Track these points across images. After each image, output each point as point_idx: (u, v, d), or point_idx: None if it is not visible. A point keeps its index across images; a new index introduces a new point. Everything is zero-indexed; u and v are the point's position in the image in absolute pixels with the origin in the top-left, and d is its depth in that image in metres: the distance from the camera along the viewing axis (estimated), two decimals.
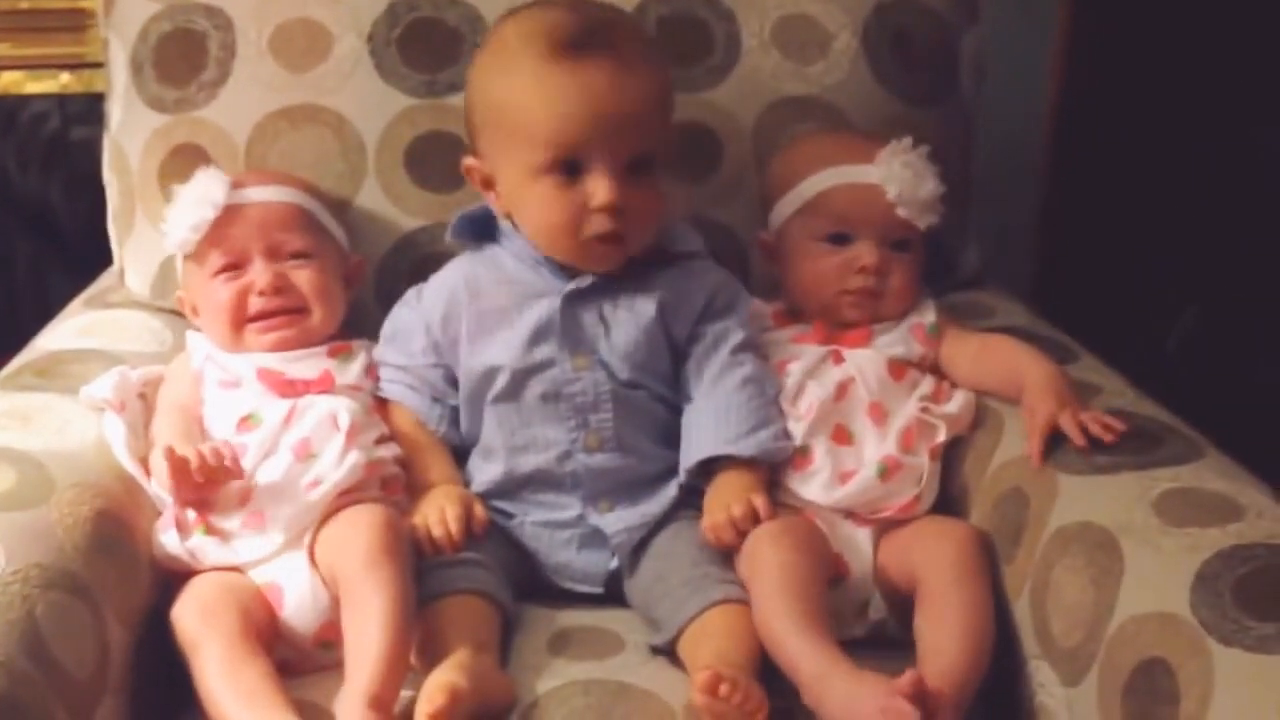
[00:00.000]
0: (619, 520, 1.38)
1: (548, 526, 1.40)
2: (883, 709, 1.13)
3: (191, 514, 1.30)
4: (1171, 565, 1.13)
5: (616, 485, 1.40)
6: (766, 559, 1.28)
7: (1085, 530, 1.21)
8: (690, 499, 1.39)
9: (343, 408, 1.37)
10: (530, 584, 1.39)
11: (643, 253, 1.42)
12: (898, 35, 1.61)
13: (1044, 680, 1.23)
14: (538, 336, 1.40)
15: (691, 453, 1.39)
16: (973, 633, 1.23)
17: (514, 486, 1.41)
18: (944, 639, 1.22)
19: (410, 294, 1.48)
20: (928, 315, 1.46)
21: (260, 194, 1.46)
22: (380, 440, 1.39)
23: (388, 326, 1.48)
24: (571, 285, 1.40)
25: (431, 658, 1.22)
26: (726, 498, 1.34)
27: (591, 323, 1.40)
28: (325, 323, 1.45)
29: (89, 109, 1.99)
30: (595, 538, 1.39)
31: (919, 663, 1.22)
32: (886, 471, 1.36)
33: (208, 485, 1.29)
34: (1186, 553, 1.13)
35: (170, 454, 1.27)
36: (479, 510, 1.37)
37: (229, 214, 1.42)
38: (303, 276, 1.43)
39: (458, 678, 1.17)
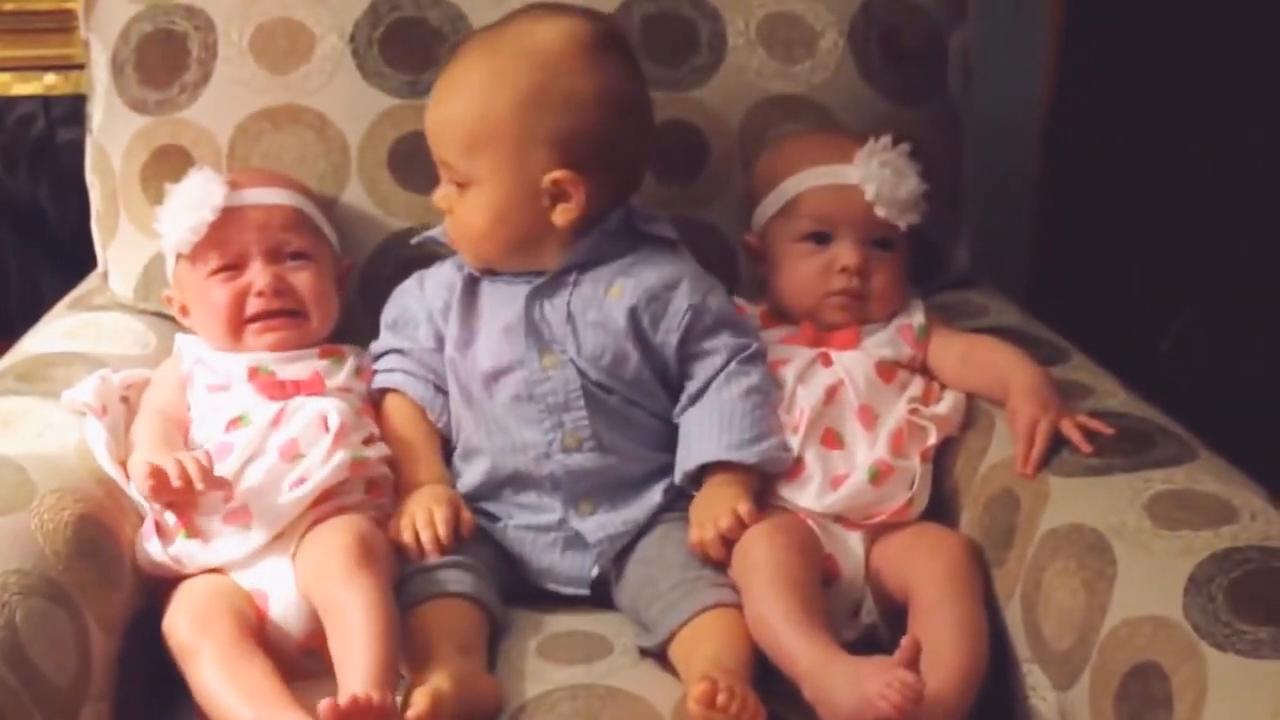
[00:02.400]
0: (600, 527, 1.37)
1: (531, 530, 1.39)
2: (886, 682, 1.12)
3: (172, 519, 1.29)
4: (1164, 568, 1.12)
5: (598, 486, 1.38)
6: (759, 557, 1.28)
7: (1076, 532, 1.20)
8: (676, 501, 1.39)
9: (333, 408, 1.36)
10: (517, 587, 1.38)
11: (610, 228, 1.41)
12: (885, 33, 1.60)
13: (1036, 684, 1.22)
14: (506, 336, 1.39)
15: (692, 456, 1.37)
16: (967, 650, 1.23)
17: (496, 488, 1.40)
18: (938, 656, 1.20)
19: (411, 281, 1.48)
20: (916, 316, 1.45)
21: (258, 196, 1.45)
22: (368, 440, 1.39)
23: (389, 314, 1.47)
24: (532, 285, 1.40)
25: (417, 662, 1.22)
26: (714, 509, 1.32)
27: (558, 321, 1.39)
28: (322, 325, 1.45)
29: (75, 110, 1.98)
30: (578, 540, 1.38)
31: None
32: (878, 475, 1.35)
33: (186, 492, 1.27)
34: (1179, 555, 1.12)
35: (150, 469, 1.25)
36: (466, 513, 1.36)
37: (227, 215, 1.42)
38: (301, 278, 1.43)
39: (442, 682, 1.16)
